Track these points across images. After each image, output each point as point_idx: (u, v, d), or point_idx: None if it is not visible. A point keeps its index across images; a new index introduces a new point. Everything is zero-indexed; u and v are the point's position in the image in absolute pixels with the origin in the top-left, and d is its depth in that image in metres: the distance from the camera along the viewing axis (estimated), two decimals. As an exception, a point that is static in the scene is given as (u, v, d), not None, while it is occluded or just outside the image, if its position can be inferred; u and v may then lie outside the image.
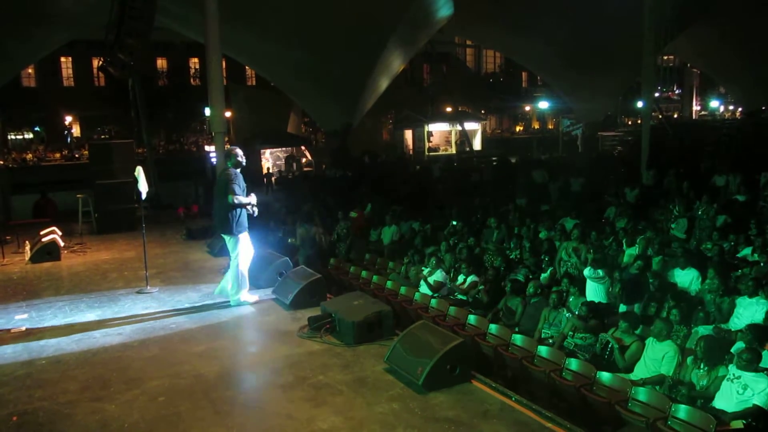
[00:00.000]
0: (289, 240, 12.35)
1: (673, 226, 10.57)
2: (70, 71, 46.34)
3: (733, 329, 6.41)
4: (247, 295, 7.95)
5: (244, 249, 7.73)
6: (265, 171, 27.29)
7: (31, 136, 45.66)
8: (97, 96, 41.43)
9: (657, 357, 5.83)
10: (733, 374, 5.19)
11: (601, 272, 7.80)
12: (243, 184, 7.61)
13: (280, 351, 6.34)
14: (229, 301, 7.89)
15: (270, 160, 28.60)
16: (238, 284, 7.81)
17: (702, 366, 5.52)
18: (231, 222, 7.52)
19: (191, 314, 7.55)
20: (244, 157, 7.80)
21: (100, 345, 6.56)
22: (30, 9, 15.20)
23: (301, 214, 13.23)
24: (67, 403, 5.24)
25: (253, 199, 7.70)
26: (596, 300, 7.62)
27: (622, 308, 7.41)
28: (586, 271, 7.95)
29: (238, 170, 7.65)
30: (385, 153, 28.83)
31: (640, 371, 5.90)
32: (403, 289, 8.88)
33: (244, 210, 7.61)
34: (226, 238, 7.70)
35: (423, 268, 9.37)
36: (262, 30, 19.70)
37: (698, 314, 6.66)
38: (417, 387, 5.26)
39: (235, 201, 7.46)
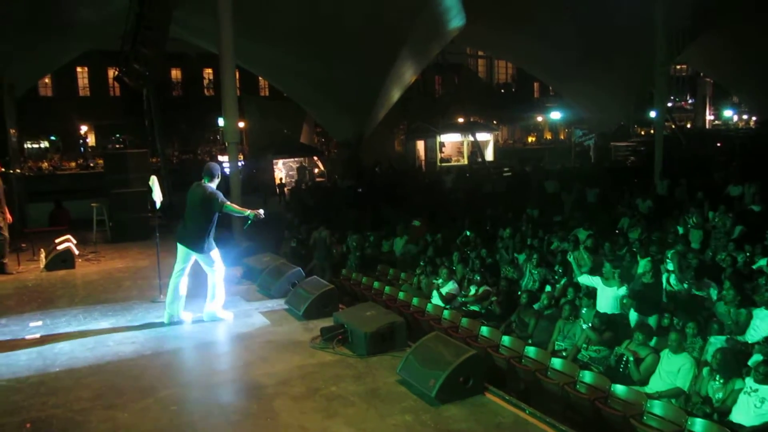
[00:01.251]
0: (292, 244, 12.50)
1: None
2: (86, 81, 46.87)
3: (750, 341, 6.34)
4: (223, 311, 7.71)
5: (219, 264, 7.51)
6: (277, 181, 27.40)
7: (47, 145, 46.15)
8: (112, 105, 41.87)
9: (672, 369, 5.78)
10: (751, 387, 5.14)
11: (617, 274, 7.74)
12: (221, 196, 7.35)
13: (292, 361, 6.33)
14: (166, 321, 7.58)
15: (283, 170, 28.73)
16: (214, 298, 7.59)
17: (718, 379, 5.46)
18: (203, 240, 7.25)
19: (204, 323, 7.55)
20: (220, 177, 7.57)
21: (113, 353, 6.58)
22: (48, 20, 15.39)
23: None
24: (80, 410, 5.26)
25: (258, 211, 7.44)
26: (609, 310, 7.56)
27: (633, 316, 7.35)
28: (601, 281, 7.88)
29: (214, 186, 7.38)
30: (395, 163, 28.83)
31: (655, 384, 5.85)
32: (415, 300, 8.87)
33: (214, 228, 7.36)
34: (192, 252, 7.37)
35: (435, 279, 9.37)
36: (275, 41, 19.84)
37: (712, 325, 6.60)
38: (430, 399, 5.23)
39: (235, 208, 7.33)
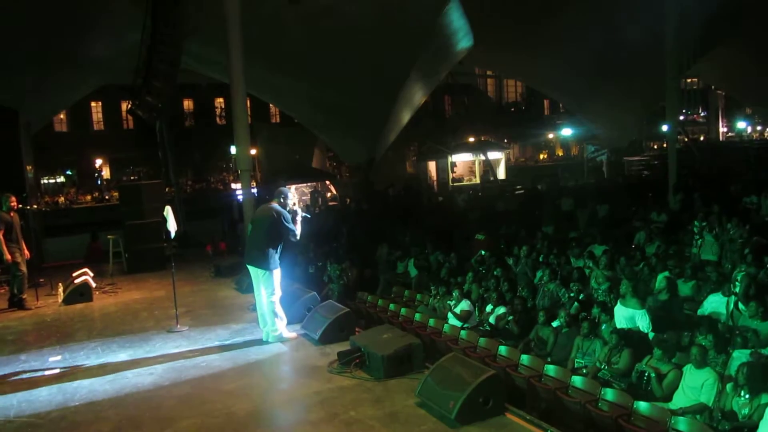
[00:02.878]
0: (310, 270, 12.51)
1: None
2: (100, 115, 47.57)
3: (774, 355, 6.22)
4: (287, 331, 7.93)
5: (278, 284, 7.76)
6: (291, 206, 27.45)
7: (62, 179, 46.74)
8: (126, 138, 42.42)
9: (696, 385, 5.68)
10: (777, 402, 5.03)
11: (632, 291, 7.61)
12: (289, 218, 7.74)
13: (310, 387, 6.31)
14: (264, 339, 7.87)
15: (295, 195, 28.84)
16: (278, 319, 7.81)
17: (744, 394, 5.36)
18: (269, 258, 7.57)
19: (221, 352, 7.57)
20: (290, 201, 7.94)
21: (132, 385, 6.60)
22: (63, 56, 15.70)
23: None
24: (100, 444, 5.27)
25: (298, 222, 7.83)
26: (634, 326, 7.44)
27: (652, 335, 7.24)
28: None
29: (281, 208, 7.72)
30: (409, 185, 28.85)
31: (679, 400, 5.74)
32: (431, 321, 8.81)
33: (280, 246, 7.69)
34: (260, 271, 7.66)
35: (449, 301, 9.30)
36: (285, 69, 20.06)
37: (736, 339, 6.48)
38: (450, 421, 5.18)
39: (297, 236, 7.68)
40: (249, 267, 7.82)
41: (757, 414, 5.15)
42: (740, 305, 7.27)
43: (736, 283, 7.74)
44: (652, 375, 6.03)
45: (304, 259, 13.59)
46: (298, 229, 7.72)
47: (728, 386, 5.55)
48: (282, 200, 7.77)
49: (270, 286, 7.67)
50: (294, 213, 7.80)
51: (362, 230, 16.60)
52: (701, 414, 5.51)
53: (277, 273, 7.71)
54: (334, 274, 11.70)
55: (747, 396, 5.31)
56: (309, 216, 8.21)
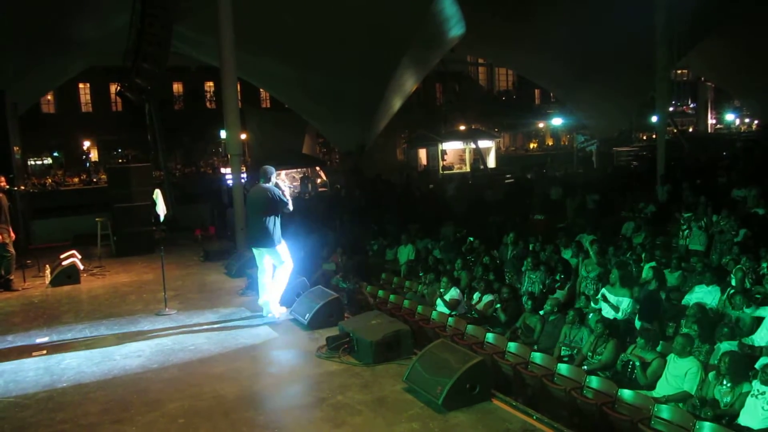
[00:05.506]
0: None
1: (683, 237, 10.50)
2: (89, 97, 47.00)
3: (756, 344, 6.33)
4: (277, 307, 8.09)
5: (287, 258, 7.98)
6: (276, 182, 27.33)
7: (50, 161, 46.30)
8: (114, 121, 42.00)
9: (679, 374, 5.76)
10: (758, 390, 5.12)
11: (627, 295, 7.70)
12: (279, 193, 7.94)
13: (298, 371, 6.34)
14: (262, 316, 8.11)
15: (285, 181, 28.75)
16: (273, 291, 8.02)
17: (725, 382, 5.44)
18: (271, 234, 7.75)
19: (210, 335, 7.57)
20: (275, 176, 8.09)
21: (120, 367, 6.60)
22: (51, 37, 15.51)
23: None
24: (88, 425, 5.27)
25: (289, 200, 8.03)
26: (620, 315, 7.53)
27: (638, 324, 7.33)
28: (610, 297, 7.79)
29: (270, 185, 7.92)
30: (394, 174, 28.80)
31: (662, 388, 5.83)
32: (419, 308, 8.87)
33: (279, 221, 7.88)
34: (266, 250, 7.88)
35: (440, 288, 9.36)
36: (276, 52, 19.93)
37: (722, 329, 6.56)
38: (436, 406, 5.23)
39: (290, 208, 7.92)
40: (254, 250, 8.05)
41: (739, 402, 5.25)
42: (736, 300, 7.14)
43: (731, 276, 7.81)
44: (637, 363, 6.11)
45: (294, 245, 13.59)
46: (290, 201, 7.96)
47: (710, 375, 5.64)
48: (268, 178, 7.95)
49: (279, 260, 7.92)
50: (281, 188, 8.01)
51: (353, 217, 16.61)
52: (684, 402, 5.60)
53: (282, 248, 7.92)
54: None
55: (729, 385, 5.41)
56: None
